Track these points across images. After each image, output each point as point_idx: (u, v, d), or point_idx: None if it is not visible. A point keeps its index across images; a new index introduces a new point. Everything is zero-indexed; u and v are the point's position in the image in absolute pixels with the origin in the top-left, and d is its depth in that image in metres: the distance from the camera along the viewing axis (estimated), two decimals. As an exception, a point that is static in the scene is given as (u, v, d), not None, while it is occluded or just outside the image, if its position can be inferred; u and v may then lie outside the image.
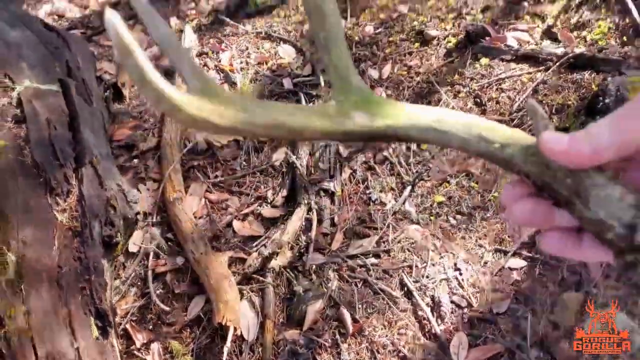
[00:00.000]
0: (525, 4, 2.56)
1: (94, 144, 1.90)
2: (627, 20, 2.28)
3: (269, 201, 2.15)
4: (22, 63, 2.06)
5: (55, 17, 3.48)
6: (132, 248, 1.98)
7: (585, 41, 2.33)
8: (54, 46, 2.23)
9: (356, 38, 2.73)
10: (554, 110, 2.13)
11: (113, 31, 0.40)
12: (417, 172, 2.12)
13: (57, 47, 2.24)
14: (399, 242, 1.93)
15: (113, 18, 0.40)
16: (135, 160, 2.29)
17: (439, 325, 1.70)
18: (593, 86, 2.11)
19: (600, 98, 1.90)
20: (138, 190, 2.13)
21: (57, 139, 1.73)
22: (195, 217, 2.08)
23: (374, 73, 2.54)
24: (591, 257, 0.44)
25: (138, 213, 1.85)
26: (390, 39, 2.69)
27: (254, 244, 1.99)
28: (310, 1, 0.52)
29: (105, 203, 1.71)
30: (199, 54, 2.81)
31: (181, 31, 2.97)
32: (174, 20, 3.11)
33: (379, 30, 2.76)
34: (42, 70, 2.07)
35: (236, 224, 2.07)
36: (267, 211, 2.10)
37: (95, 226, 1.67)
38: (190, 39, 2.78)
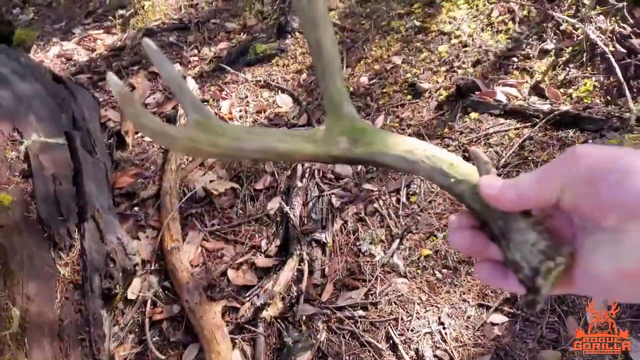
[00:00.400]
0: (515, 59, 2.67)
1: (97, 196, 1.99)
2: (612, 80, 2.38)
3: (263, 251, 2.23)
4: (30, 116, 2.16)
5: (64, 59, 3.61)
6: (131, 295, 2.06)
7: (572, 98, 2.43)
8: (61, 98, 2.34)
9: (351, 89, 2.84)
10: (538, 167, 2.22)
11: (114, 87, 0.52)
12: (405, 224, 2.21)
13: (64, 98, 2.35)
14: (386, 294, 2.01)
15: (113, 78, 0.52)
16: (136, 208, 2.38)
17: (422, 379, 1.76)
18: (577, 144, 2.20)
19: (580, 159, 1.98)
20: (138, 238, 2.23)
21: (62, 194, 1.82)
22: (191, 266, 2.16)
23: (367, 124, 2.64)
24: (513, 289, 0.50)
25: (137, 264, 1.93)
26: (384, 90, 2.80)
27: (247, 294, 2.07)
28: (311, 37, 0.59)
29: (105, 257, 1.79)
30: (200, 102, 2.92)
31: (184, 77, 3.09)
32: (177, 67, 3.23)
33: (373, 81, 2.87)
34: (50, 123, 2.18)
35: (231, 273, 2.15)
36: (260, 261, 2.18)
37: (95, 279, 1.75)
38: (191, 87, 2.89)
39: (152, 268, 2.16)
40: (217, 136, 0.56)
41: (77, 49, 3.70)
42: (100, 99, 2.98)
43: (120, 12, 3.99)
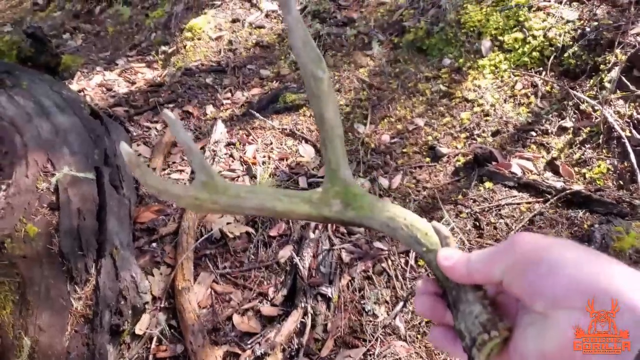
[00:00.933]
0: (533, 133, 2.73)
1: (117, 232, 2.10)
2: (626, 164, 2.42)
3: (270, 299, 2.30)
4: (65, 149, 2.30)
5: (104, 89, 3.79)
6: (138, 331, 2.14)
7: (585, 178, 2.47)
8: (96, 134, 2.48)
9: (372, 145, 2.93)
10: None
11: (125, 154, 0.63)
12: (411, 287, 2.25)
13: (99, 134, 2.49)
14: (384, 357, 2.05)
15: (126, 148, 0.63)
16: (154, 244, 2.48)
17: None
18: (585, 225, 2.24)
19: (587, 243, 2.02)
20: (152, 274, 2.32)
21: (84, 229, 1.93)
22: (199, 307, 2.24)
23: (384, 182, 2.71)
24: (459, 356, 0.55)
25: (147, 303, 2.02)
26: (404, 150, 2.88)
27: (250, 341, 2.13)
28: (316, 109, 0.68)
29: (118, 294, 1.89)
30: (227, 144, 3.05)
31: (215, 119, 3.23)
32: (210, 109, 3.38)
33: (395, 140, 2.96)
34: (82, 157, 2.31)
35: (236, 319, 2.22)
36: (266, 309, 2.25)
37: (105, 315, 1.84)
38: (220, 130, 3.02)
39: (162, 305, 2.24)
40: (219, 195, 0.65)
41: (118, 80, 3.89)
42: (134, 133, 3.13)
43: (163, 48, 4.19)
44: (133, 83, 3.86)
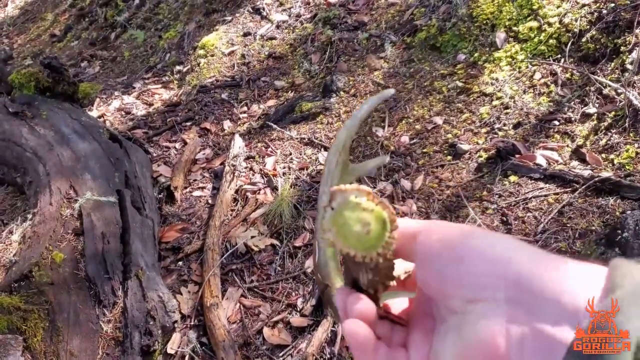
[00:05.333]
0: (556, 122, 2.66)
1: (142, 253, 2.11)
2: (655, 146, 2.34)
3: (299, 309, 2.28)
4: (86, 175, 2.33)
5: (123, 113, 3.84)
6: (170, 350, 2.14)
7: (613, 164, 2.40)
8: (116, 157, 2.51)
9: (392, 147, 2.90)
10: (577, 235, 2.19)
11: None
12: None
13: (119, 158, 2.51)
14: None
15: None
16: (180, 263, 2.48)
17: None
18: (617, 213, 2.17)
19: (619, 231, 1.95)
20: (180, 293, 2.32)
21: (109, 253, 1.94)
22: (229, 322, 2.23)
23: (406, 184, 2.68)
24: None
25: (176, 322, 2.02)
26: (424, 150, 2.84)
27: (281, 353, 2.11)
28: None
29: (146, 314, 1.89)
30: (247, 158, 3.05)
31: (233, 133, 3.24)
32: (227, 124, 3.39)
33: (414, 140, 2.92)
34: (104, 182, 2.33)
35: (266, 332, 2.20)
36: (296, 320, 2.23)
37: (135, 336, 1.84)
38: (239, 145, 3.02)
39: (192, 323, 2.24)
40: None
41: (135, 103, 3.93)
42: (154, 154, 3.15)
43: (178, 67, 4.23)
44: (150, 105, 3.90)
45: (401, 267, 0.55)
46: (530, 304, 0.39)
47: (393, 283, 0.52)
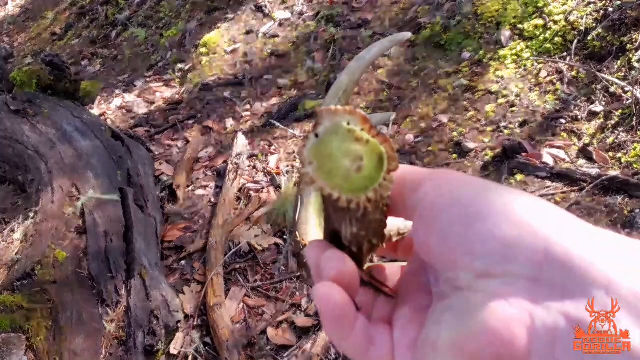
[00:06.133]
0: (562, 120, 2.64)
1: (145, 252, 2.08)
2: (663, 144, 2.32)
3: (303, 309, 2.25)
4: (89, 173, 2.30)
5: (125, 111, 3.81)
6: (173, 350, 2.12)
7: (620, 163, 2.38)
8: (118, 155, 2.48)
9: (397, 146, 2.87)
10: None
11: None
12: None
13: (121, 156, 2.49)
14: None
15: None
16: (183, 262, 2.46)
17: None
18: (625, 212, 2.14)
19: (628, 230, 1.93)
20: (183, 292, 2.30)
21: (112, 251, 1.92)
22: (232, 322, 2.20)
23: (411, 183, 2.65)
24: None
25: (179, 321, 2.00)
26: (429, 148, 2.81)
27: (286, 354, 2.09)
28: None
29: (150, 314, 1.86)
30: (250, 156, 3.02)
31: (235, 132, 3.22)
32: (229, 122, 3.37)
33: (419, 139, 2.89)
34: (106, 180, 2.31)
35: (270, 332, 2.17)
36: (300, 320, 2.20)
37: (139, 336, 1.82)
38: (242, 143, 3.00)
39: (195, 323, 2.21)
40: None
41: (137, 102, 3.91)
42: (156, 152, 3.13)
43: (180, 66, 4.20)
44: (152, 103, 3.87)
45: (394, 226, 0.46)
46: (566, 286, 0.30)
47: (382, 245, 0.43)
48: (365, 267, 0.44)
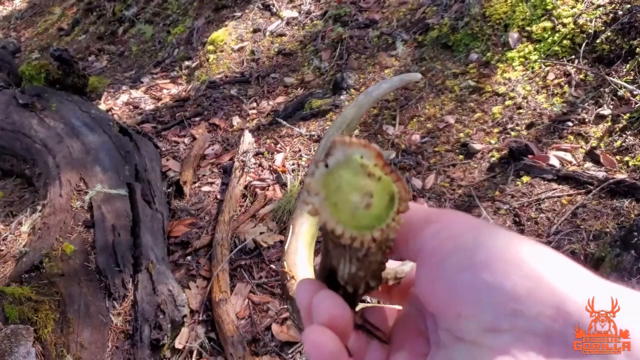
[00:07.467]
0: (570, 123, 2.64)
1: (152, 247, 2.09)
2: (670, 148, 2.32)
3: (308, 307, 2.26)
4: (96, 167, 2.31)
5: (131, 107, 3.82)
6: (178, 345, 2.12)
7: (628, 166, 2.38)
8: (126, 150, 2.49)
9: (403, 146, 2.88)
10: (591, 237, 2.17)
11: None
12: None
13: (129, 151, 2.49)
14: None
15: None
16: (189, 258, 2.46)
17: None
18: (632, 215, 2.14)
19: (635, 233, 1.93)
20: (189, 287, 2.30)
21: (120, 245, 1.93)
22: (237, 318, 2.21)
23: (417, 183, 2.66)
24: None
25: (185, 316, 2.00)
26: (436, 149, 2.82)
27: (290, 350, 2.09)
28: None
29: (156, 308, 1.87)
30: (256, 154, 3.03)
31: (242, 129, 3.22)
32: (236, 120, 3.37)
33: (426, 139, 2.90)
34: (114, 174, 2.31)
35: (275, 328, 2.18)
36: (305, 317, 2.21)
37: (145, 329, 1.82)
38: (248, 141, 3.01)
39: (200, 318, 2.22)
40: None
41: (144, 98, 3.92)
42: (163, 148, 3.13)
43: (187, 63, 4.21)
44: (159, 99, 3.88)
45: (391, 270, 0.44)
46: (607, 314, 0.30)
47: (379, 288, 0.41)
48: (357, 308, 0.43)
